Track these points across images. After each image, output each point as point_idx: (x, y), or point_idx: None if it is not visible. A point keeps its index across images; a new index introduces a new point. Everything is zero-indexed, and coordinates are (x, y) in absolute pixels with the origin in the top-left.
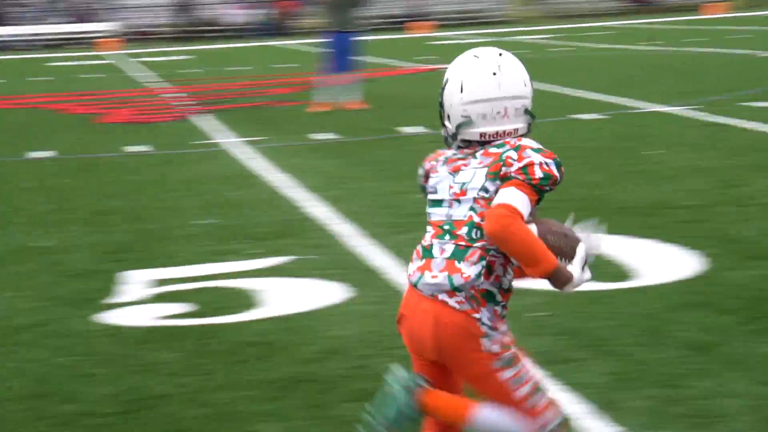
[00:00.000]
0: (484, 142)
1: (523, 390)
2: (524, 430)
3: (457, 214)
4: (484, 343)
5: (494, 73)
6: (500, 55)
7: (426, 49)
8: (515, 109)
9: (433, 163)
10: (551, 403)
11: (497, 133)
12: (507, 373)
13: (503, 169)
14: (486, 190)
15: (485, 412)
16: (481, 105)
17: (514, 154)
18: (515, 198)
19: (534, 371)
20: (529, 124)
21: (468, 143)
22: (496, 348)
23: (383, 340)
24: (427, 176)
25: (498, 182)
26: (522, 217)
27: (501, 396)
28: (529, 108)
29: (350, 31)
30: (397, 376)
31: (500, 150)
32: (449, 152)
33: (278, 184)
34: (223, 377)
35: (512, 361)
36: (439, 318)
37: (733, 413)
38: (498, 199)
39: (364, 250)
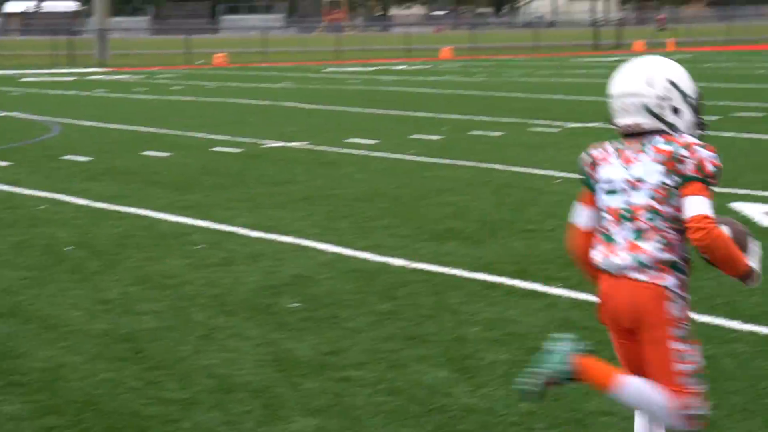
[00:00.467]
0: (627, 134)
1: (684, 367)
2: (667, 404)
3: (635, 201)
4: (671, 307)
5: (619, 75)
6: (648, 60)
7: None
8: (634, 106)
9: (602, 153)
10: (701, 394)
11: (625, 125)
12: (679, 345)
13: (678, 166)
14: (665, 184)
15: (631, 382)
16: (612, 101)
17: (685, 152)
18: (706, 206)
19: (701, 359)
20: (670, 124)
21: (629, 136)
22: (679, 314)
23: None
24: (594, 164)
25: (675, 177)
26: (716, 223)
27: (662, 364)
28: (656, 107)
29: None
30: (561, 339)
31: (671, 148)
32: (616, 144)
33: None
34: None
35: (688, 337)
36: (634, 289)
37: None
38: (693, 210)
39: None
